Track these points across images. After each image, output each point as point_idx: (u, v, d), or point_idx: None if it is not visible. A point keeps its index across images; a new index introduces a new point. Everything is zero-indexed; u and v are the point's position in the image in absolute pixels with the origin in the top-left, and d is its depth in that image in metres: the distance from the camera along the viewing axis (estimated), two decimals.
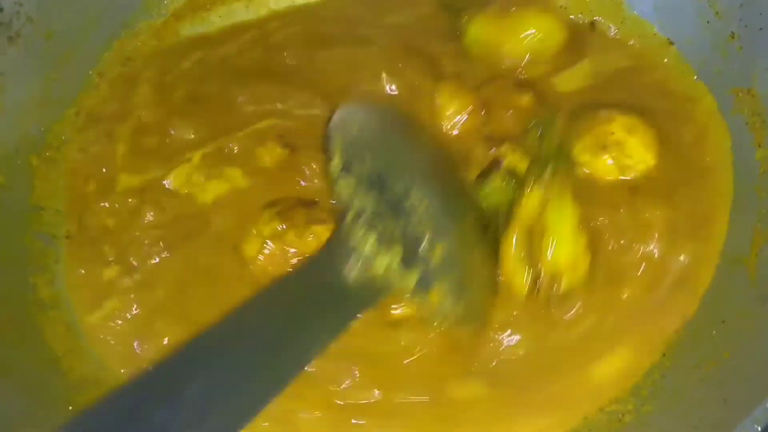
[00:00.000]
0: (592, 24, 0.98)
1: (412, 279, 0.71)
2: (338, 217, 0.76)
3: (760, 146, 0.84)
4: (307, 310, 0.70)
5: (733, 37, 0.88)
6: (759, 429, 0.62)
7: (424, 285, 0.71)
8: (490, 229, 0.77)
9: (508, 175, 0.80)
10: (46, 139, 0.92)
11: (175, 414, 0.61)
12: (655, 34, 0.96)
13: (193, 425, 0.61)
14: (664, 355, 0.78)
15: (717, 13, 0.89)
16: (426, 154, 0.80)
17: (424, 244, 0.70)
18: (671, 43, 0.95)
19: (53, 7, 0.91)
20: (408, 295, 0.73)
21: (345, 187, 0.76)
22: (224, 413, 0.62)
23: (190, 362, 0.65)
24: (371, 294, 0.72)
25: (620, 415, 0.76)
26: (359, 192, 0.74)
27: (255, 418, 0.64)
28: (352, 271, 0.71)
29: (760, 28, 0.84)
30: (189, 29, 1.03)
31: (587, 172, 0.84)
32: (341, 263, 0.71)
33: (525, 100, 0.88)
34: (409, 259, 0.71)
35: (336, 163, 0.77)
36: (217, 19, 1.04)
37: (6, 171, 0.87)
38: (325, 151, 0.80)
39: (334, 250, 0.73)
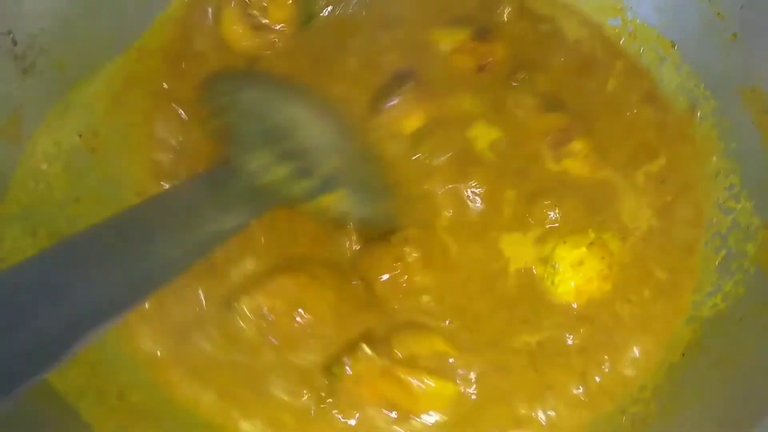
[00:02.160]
0: None
1: (309, 186, 0.81)
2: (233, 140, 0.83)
3: None
4: (198, 213, 0.76)
5: (735, 37, 0.89)
6: None
7: (322, 190, 0.81)
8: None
9: None
10: None
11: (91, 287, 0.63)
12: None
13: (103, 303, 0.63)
14: (683, 355, 0.79)
15: (719, 14, 0.90)
16: (310, 100, 0.90)
17: (320, 158, 0.83)
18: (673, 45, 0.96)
19: (64, 38, 0.93)
20: (309, 200, 0.81)
21: (250, 150, 0.83)
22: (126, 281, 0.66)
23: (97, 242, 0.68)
24: (269, 198, 0.80)
25: (643, 416, 0.77)
26: (257, 148, 0.83)
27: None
28: (247, 179, 0.79)
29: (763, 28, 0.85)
30: None
31: None
32: (235, 172, 0.79)
33: None
34: (305, 171, 0.82)
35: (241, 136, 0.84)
36: None
37: None
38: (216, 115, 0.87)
39: (226, 166, 0.81)
